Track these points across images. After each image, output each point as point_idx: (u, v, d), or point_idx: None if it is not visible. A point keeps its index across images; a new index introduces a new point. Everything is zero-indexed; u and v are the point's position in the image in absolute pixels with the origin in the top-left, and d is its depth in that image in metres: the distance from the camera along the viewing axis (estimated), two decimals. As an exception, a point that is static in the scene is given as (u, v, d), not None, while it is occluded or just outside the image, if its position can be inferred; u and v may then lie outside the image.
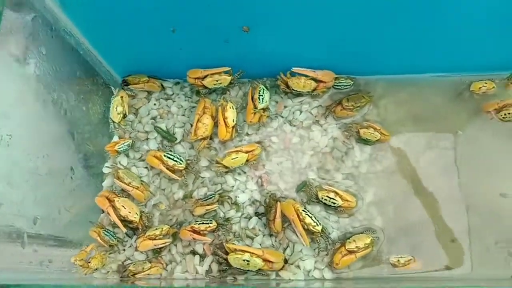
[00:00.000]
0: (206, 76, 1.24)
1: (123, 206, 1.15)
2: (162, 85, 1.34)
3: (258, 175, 1.24)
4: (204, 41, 1.16)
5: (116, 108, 1.26)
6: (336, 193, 1.16)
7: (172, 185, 1.25)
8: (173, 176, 1.21)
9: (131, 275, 1.15)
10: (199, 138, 1.23)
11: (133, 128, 1.31)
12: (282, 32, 1.13)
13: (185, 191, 1.23)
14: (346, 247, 1.09)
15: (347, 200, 1.16)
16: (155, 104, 1.33)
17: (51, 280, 0.96)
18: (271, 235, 1.17)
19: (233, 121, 1.22)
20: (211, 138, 1.27)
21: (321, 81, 1.24)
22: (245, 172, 1.24)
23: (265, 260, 1.08)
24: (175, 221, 1.21)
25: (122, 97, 1.28)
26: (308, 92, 1.26)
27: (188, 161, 1.23)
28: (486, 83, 1.23)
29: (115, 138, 1.31)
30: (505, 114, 1.19)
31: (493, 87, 1.23)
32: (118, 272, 1.17)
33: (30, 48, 0.92)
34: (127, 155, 1.28)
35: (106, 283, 1.15)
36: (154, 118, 1.32)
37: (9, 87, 0.91)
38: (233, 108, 1.23)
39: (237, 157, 1.18)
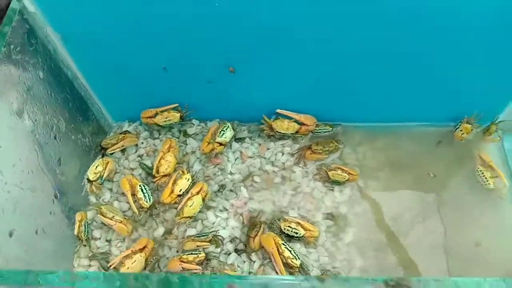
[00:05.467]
0: (156, 114, 1.28)
1: None
2: (137, 134, 1.37)
3: (240, 212, 1.25)
4: (191, 81, 1.23)
5: (96, 166, 1.25)
6: (298, 223, 1.17)
7: (153, 221, 1.25)
8: (133, 207, 1.19)
9: None
10: (161, 175, 1.24)
11: (119, 165, 1.34)
12: (266, 78, 1.22)
13: (165, 228, 1.23)
14: None
15: (309, 230, 1.17)
16: (142, 143, 1.37)
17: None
18: (249, 273, 1.15)
19: (180, 191, 1.20)
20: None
21: (303, 124, 1.30)
22: (226, 209, 1.25)
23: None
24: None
25: (108, 162, 1.27)
26: (291, 133, 1.32)
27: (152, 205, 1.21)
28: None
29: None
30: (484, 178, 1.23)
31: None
32: None
33: (28, 69, 0.98)
34: (111, 190, 1.30)
35: None
36: (140, 156, 1.35)
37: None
38: (188, 180, 1.21)
39: (193, 202, 1.18)
